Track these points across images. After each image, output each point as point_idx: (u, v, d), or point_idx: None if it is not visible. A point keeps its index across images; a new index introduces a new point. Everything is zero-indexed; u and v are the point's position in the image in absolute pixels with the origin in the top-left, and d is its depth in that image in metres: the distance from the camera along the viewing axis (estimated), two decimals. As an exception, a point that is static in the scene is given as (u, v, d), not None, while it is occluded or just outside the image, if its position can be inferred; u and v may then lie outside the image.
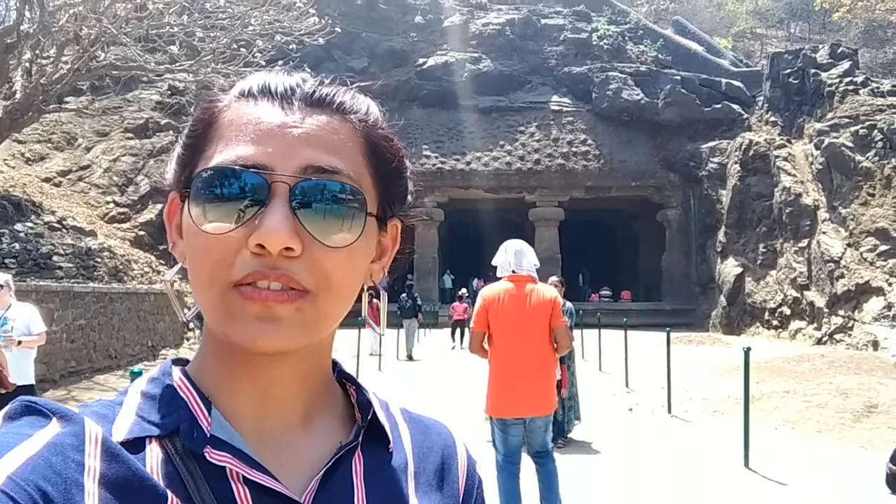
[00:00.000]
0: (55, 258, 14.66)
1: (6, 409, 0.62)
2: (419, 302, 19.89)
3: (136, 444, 0.63)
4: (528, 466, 5.21)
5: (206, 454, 0.64)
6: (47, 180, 19.97)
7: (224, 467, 0.64)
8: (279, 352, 0.66)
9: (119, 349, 14.09)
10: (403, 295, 19.79)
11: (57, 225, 16.24)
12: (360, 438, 0.74)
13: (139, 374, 4.17)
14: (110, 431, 0.63)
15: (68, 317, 12.35)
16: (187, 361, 0.73)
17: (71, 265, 14.75)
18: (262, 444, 0.68)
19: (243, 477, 0.64)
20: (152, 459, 0.63)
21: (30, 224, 15.56)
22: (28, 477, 0.55)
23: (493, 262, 5.23)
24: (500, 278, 5.07)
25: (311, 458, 0.71)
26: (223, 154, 0.66)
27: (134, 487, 0.59)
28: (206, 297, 0.66)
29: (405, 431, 0.81)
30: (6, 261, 13.74)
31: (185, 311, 0.86)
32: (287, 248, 0.63)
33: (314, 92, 0.71)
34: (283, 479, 0.65)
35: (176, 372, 0.70)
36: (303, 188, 0.65)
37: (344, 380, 0.80)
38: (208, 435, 0.65)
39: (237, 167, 0.64)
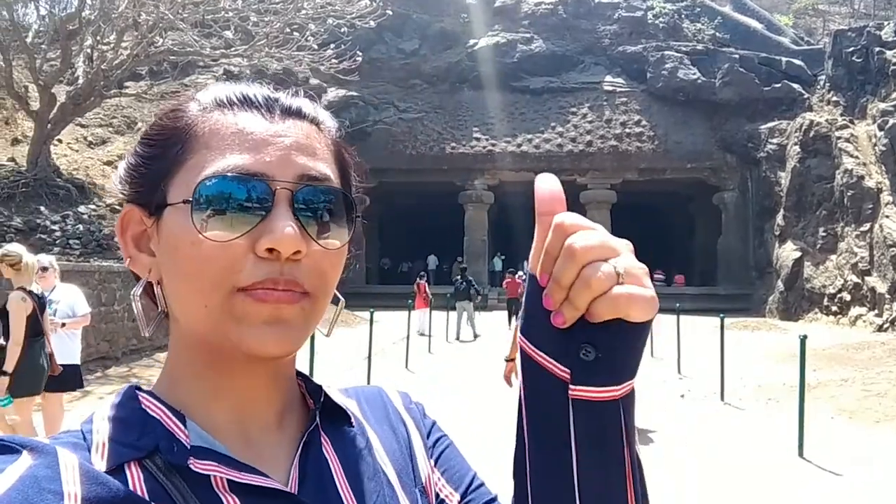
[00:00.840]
0: (117, 239, 15.14)
1: None
2: (475, 284, 19.96)
3: (115, 471, 0.63)
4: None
5: (191, 465, 0.64)
6: (109, 164, 20.54)
7: (209, 478, 0.64)
8: (285, 355, 0.68)
9: (177, 328, 14.51)
10: (458, 277, 19.90)
11: (118, 207, 16.72)
12: (319, 421, 0.77)
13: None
14: (87, 459, 0.62)
15: (129, 296, 12.76)
16: (141, 388, 0.74)
17: (132, 246, 15.20)
18: (244, 448, 0.70)
19: (229, 485, 0.65)
20: (135, 481, 0.63)
21: (92, 206, 16.08)
22: None
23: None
24: None
25: (287, 452, 0.73)
26: (217, 163, 0.67)
27: None
28: (206, 303, 0.66)
29: (352, 405, 0.84)
30: (70, 241, 14.24)
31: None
32: (296, 252, 0.65)
33: (291, 103, 0.73)
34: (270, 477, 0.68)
35: (140, 394, 0.71)
36: (303, 194, 0.68)
37: None
38: (188, 447, 0.66)
39: (242, 175, 0.66)
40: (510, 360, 5.99)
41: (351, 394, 0.88)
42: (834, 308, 22.25)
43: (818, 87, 27.82)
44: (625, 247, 0.61)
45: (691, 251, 32.96)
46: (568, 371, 0.61)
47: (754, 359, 14.25)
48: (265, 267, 0.65)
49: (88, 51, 16.96)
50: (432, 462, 0.84)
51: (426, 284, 19.49)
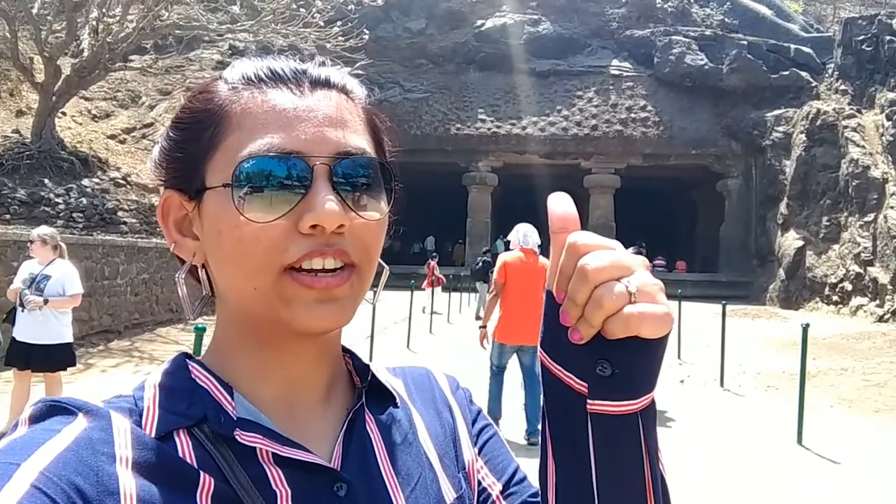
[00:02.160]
0: (120, 213, 15.13)
1: (31, 410, 0.63)
2: (492, 265, 20.19)
3: (165, 438, 0.64)
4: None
5: (237, 436, 0.66)
6: (112, 137, 20.49)
7: (254, 450, 0.66)
8: (337, 328, 0.70)
9: (180, 303, 14.54)
10: (480, 257, 20.22)
11: (122, 181, 16.71)
12: (365, 399, 0.78)
13: (203, 329, 4.27)
14: (139, 425, 0.64)
15: (132, 271, 12.78)
16: (193, 357, 0.75)
17: (135, 221, 15.20)
18: (289, 422, 0.71)
19: (273, 458, 0.66)
20: (183, 447, 0.65)
21: (96, 180, 16.05)
22: (60, 472, 0.56)
23: (508, 238, 7.36)
24: (513, 249, 7.22)
25: (332, 427, 0.74)
26: (253, 144, 0.67)
27: (167, 472, 0.62)
28: (256, 285, 0.67)
29: (399, 385, 0.85)
30: (74, 215, 14.23)
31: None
32: (339, 226, 0.66)
33: (320, 74, 0.73)
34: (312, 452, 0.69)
35: (190, 363, 0.72)
36: (341, 168, 0.68)
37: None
38: (235, 418, 0.67)
39: (280, 154, 0.66)
40: (483, 326, 7.26)
41: (398, 373, 0.89)
42: (835, 298, 22.26)
43: (826, 75, 27.65)
44: (639, 264, 0.61)
45: (693, 237, 32.94)
46: (585, 385, 0.62)
47: (754, 346, 14.28)
48: (310, 241, 0.66)
49: (94, 23, 16.85)
50: (476, 450, 0.85)
51: (435, 265, 19.87)
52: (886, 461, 6.82)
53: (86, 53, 16.73)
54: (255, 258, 0.66)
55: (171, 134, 0.73)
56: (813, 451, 7.04)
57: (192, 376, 0.71)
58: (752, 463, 6.65)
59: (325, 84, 0.73)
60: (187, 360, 0.73)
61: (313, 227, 0.65)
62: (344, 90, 0.74)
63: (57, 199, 14.45)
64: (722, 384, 10.18)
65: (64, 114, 18.87)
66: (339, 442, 0.73)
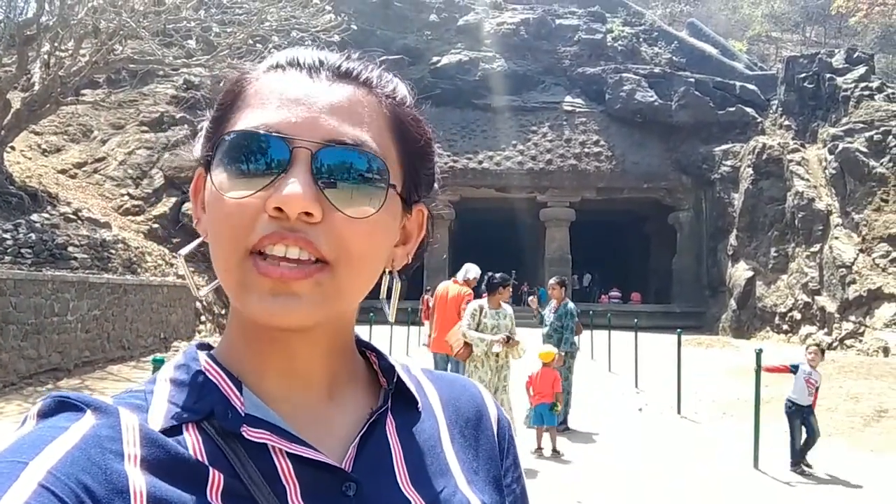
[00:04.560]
0: (70, 249, 14.79)
1: (39, 405, 0.61)
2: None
3: (173, 432, 0.63)
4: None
5: (244, 433, 0.63)
6: (63, 172, 20.13)
7: (265, 443, 0.64)
8: (296, 327, 0.65)
9: (132, 340, 14.20)
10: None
11: (72, 216, 16.38)
12: (390, 402, 0.74)
13: (162, 362, 4.21)
14: (146, 420, 0.63)
15: (83, 307, 12.46)
16: (210, 346, 0.72)
17: (86, 256, 14.88)
18: (294, 419, 0.68)
19: (285, 451, 0.64)
20: (193, 442, 0.63)
21: (46, 215, 15.70)
22: (68, 470, 0.55)
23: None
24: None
25: (342, 428, 0.71)
26: (246, 121, 0.65)
27: (176, 468, 0.60)
28: (226, 265, 0.64)
29: (431, 390, 0.81)
30: (22, 251, 13.88)
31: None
32: (306, 214, 0.61)
33: (341, 65, 0.70)
34: (320, 450, 0.66)
35: (202, 356, 0.70)
36: (325, 156, 0.63)
37: (364, 348, 0.79)
38: (243, 414, 0.65)
39: (260, 131, 0.63)
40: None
41: (434, 378, 0.85)
42: (785, 326, 22.78)
43: (771, 111, 28.63)
44: None
45: (647, 269, 33.47)
46: None
47: (708, 374, 14.48)
48: (274, 224, 0.62)
49: (45, 57, 16.63)
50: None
51: (430, 299, 20.29)
52: (840, 483, 6.97)
53: (37, 87, 16.48)
54: (226, 236, 0.64)
55: (208, 115, 0.73)
56: (769, 475, 7.16)
57: (203, 369, 0.68)
58: (711, 487, 6.72)
59: (346, 75, 0.69)
60: (200, 352, 0.71)
61: (278, 210, 0.61)
62: (367, 84, 0.70)
63: (5, 235, 14.09)
64: (679, 412, 10.29)
65: (13, 148, 18.49)
66: (355, 444, 0.70)
